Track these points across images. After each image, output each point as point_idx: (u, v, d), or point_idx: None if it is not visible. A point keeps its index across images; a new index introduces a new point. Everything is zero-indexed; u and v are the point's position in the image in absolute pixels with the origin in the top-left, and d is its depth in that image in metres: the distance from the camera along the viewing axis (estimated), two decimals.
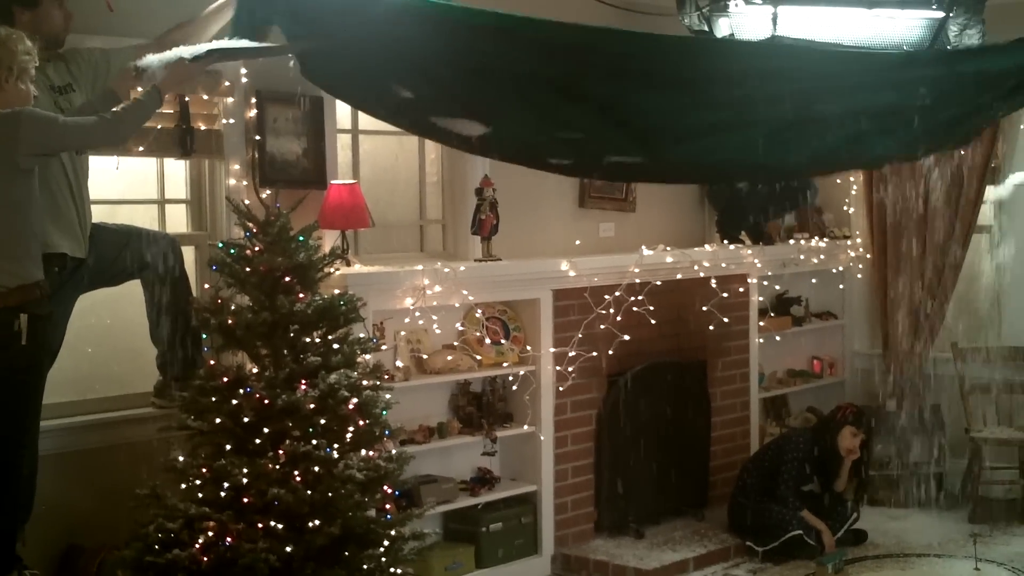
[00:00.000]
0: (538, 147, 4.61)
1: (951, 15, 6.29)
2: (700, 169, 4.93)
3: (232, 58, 4.98)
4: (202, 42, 4.69)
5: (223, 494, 4.30)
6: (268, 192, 5.20)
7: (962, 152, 7.36)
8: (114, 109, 4.24)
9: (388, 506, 4.66)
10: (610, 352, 6.40)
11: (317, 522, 4.30)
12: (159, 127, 5.04)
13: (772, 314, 7.70)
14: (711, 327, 6.92)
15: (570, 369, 6.27)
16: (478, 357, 6.04)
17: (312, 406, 4.38)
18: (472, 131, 4.49)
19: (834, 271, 7.90)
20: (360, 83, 4.54)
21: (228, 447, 4.37)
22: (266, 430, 4.37)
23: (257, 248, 4.56)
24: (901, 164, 7.00)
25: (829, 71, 4.67)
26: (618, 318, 6.37)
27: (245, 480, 4.28)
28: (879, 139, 4.80)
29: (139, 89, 4.34)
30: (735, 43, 4.83)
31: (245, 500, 4.28)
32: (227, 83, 5.28)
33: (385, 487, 4.60)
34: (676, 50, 4.63)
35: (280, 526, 4.26)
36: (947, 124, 4.82)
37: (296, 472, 4.31)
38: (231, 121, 5.35)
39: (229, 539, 4.23)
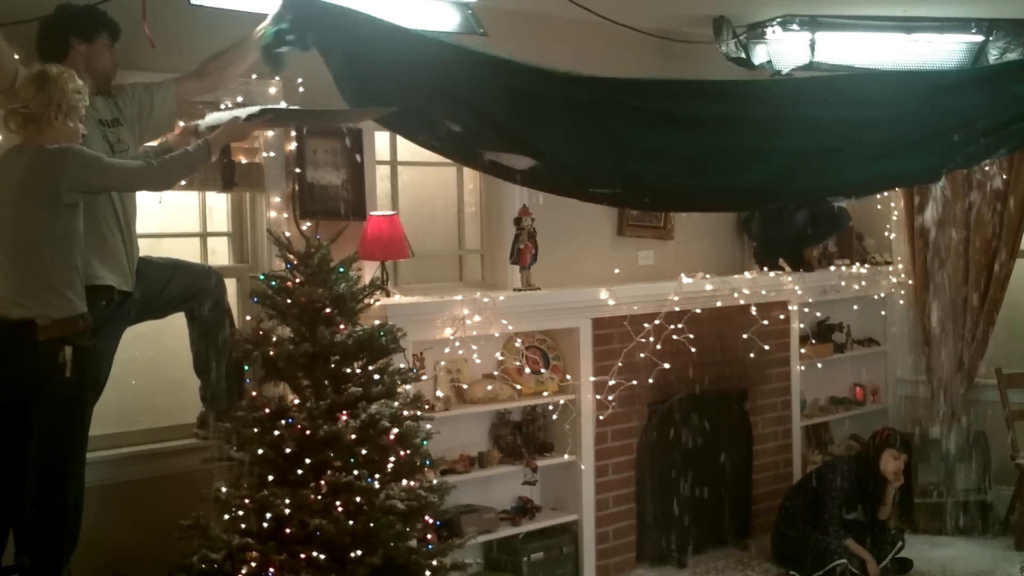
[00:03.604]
0: (586, 178, 4.65)
1: (991, 39, 6.27)
2: (742, 193, 4.95)
3: (286, 121, 5.06)
4: (240, 68, 4.77)
5: (265, 525, 4.32)
6: (308, 224, 5.24)
7: (1003, 176, 7.32)
8: (164, 156, 4.35)
9: (429, 536, 4.66)
10: (650, 380, 6.39)
11: (359, 552, 4.31)
12: None
13: (813, 341, 7.66)
14: (752, 355, 6.89)
15: (610, 398, 6.26)
16: (518, 387, 6.03)
17: (353, 436, 4.40)
18: (521, 164, 4.53)
19: (876, 297, 7.86)
20: (412, 118, 4.59)
21: (270, 478, 4.39)
22: (308, 461, 4.38)
23: (298, 280, 4.60)
24: (952, 173, 6.94)
25: (871, 98, 4.67)
26: (658, 346, 6.36)
27: (287, 511, 4.29)
28: (925, 158, 4.80)
29: None
30: (773, 83, 4.88)
31: (287, 531, 4.30)
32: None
33: (426, 517, 4.61)
34: (716, 91, 4.67)
35: (322, 557, 4.27)
36: (996, 137, 4.81)
37: (338, 503, 4.32)
38: (271, 154, 5.39)
39: (272, 570, 4.25)
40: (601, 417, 6.26)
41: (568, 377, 6.21)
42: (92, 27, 4.50)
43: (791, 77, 6.00)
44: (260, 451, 4.41)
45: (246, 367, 4.65)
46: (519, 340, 6.10)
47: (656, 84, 4.68)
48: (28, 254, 4.09)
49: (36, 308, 4.08)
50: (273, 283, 4.63)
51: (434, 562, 4.58)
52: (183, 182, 4.84)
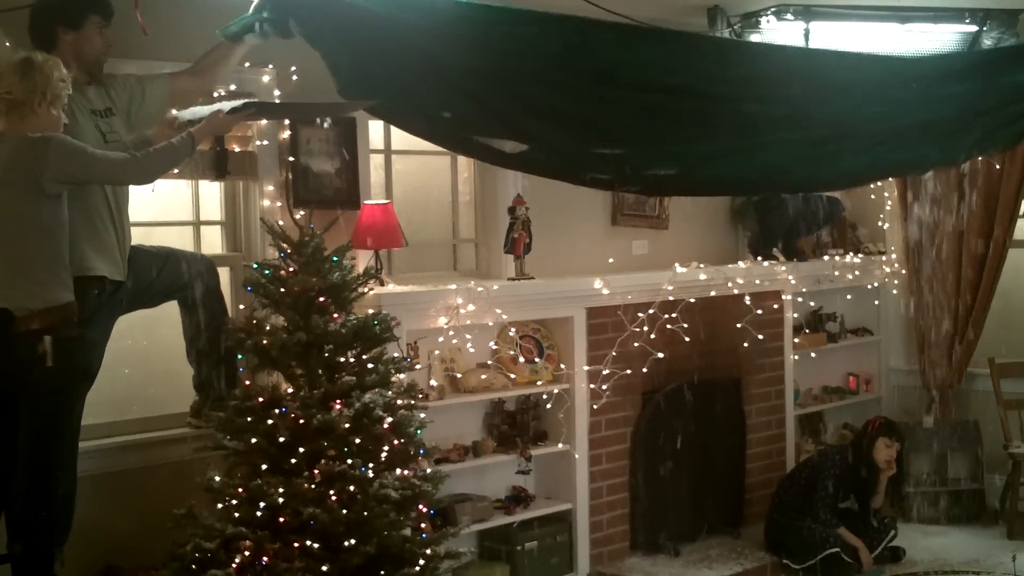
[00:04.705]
0: (576, 163, 4.63)
1: (984, 29, 6.28)
2: (737, 182, 4.94)
3: (269, 114, 5.04)
4: (232, 64, 4.75)
5: (259, 514, 4.31)
6: (302, 213, 5.23)
7: (997, 166, 7.32)
8: (147, 150, 4.31)
9: (423, 525, 4.65)
10: (644, 370, 6.39)
11: (352, 541, 4.31)
12: None
13: (807, 331, 7.67)
14: (745, 344, 6.89)
15: (604, 387, 6.26)
16: (512, 376, 6.04)
17: (347, 426, 4.39)
18: (511, 149, 4.51)
19: (869, 287, 7.86)
20: (401, 105, 4.57)
21: (264, 467, 4.39)
22: (301, 450, 4.38)
23: (291, 269, 4.59)
24: (943, 169, 6.96)
25: (866, 78, 4.65)
26: (652, 336, 6.36)
27: (281, 500, 4.29)
28: (920, 149, 4.79)
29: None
30: (774, 47, 4.82)
31: (281, 520, 4.29)
32: None
33: (420, 506, 4.61)
34: (715, 52, 4.64)
35: (316, 545, 4.27)
36: (991, 131, 4.81)
37: (331, 492, 4.32)
38: (265, 142, 5.38)
39: (265, 559, 4.25)
40: (595, 406, 6.26)
41: (562, 366, 6.21)
42: (79, 13, 4.43)
43: (776, 45, 5.95)
44: (254, 440, 4.40)
45: (239, 356, 4.64)
46: (513, 329, 6.10)
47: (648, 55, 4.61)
48: (11, 244, 4.06)
49: (17, 299, 4.06)
50: (267, 272, 4.62)
51: (428, 551, 4.57)
52: (176, 170, 4.84)
